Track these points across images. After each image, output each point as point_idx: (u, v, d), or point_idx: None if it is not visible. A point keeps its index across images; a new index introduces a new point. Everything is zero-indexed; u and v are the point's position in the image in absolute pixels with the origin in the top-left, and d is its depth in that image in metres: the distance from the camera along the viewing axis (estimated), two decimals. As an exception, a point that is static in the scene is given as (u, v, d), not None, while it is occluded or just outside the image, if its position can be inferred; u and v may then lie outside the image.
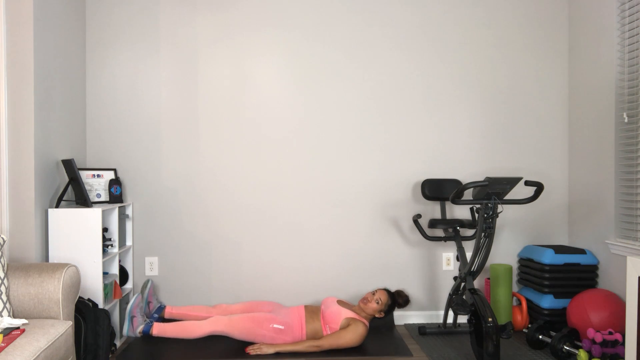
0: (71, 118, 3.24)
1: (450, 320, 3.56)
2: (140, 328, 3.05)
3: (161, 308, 3.28)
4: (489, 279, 3.54)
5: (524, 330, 3.38)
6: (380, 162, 3.60)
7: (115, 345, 3.03)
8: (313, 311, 3.13)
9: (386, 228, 3.62)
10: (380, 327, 3.47)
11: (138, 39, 3.50)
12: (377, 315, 3.13)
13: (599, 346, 2.66)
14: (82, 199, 2.92)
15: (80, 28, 3.40)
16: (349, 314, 3.05)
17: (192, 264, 3.55)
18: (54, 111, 2.99)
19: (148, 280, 3.31)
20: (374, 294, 3.14)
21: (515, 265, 3.68)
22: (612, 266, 3.20)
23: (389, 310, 3.15)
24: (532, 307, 3.40)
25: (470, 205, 3.45)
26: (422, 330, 3.33)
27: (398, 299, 3.20)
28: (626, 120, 3.09)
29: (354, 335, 2.97)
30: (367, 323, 3.06)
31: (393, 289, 3.63)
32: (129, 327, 3.03)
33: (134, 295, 3.31)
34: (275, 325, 2.99)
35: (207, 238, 3.55)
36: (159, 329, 3.04)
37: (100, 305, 2.85)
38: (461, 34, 3.63)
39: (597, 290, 3.11)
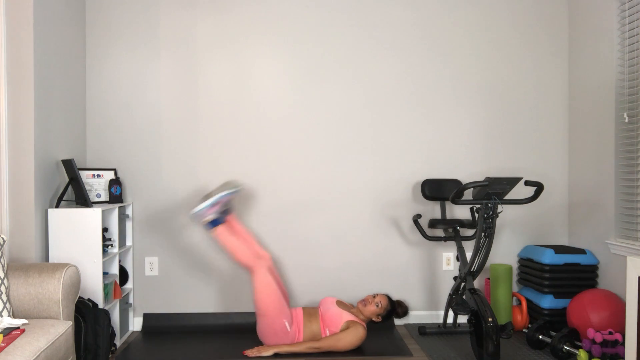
0: (71, 118, 3.24)
1: (450, 320, 3.56)
2: (210, 217, 3.01)
3: (226, 212, 3.17)
4: (489, 279, 3.53)
5: (524, 330, 3.38)
6: (380, 162, 3.60)
7: (115, 345, 3.03)
8: (311, 313, 3.12)
9: (386, 228, 3.62)
10: (380, 327, 3.47)
11: (138, 38, 3.50)
12: (374, 319, 3.12)
13: (599, 346, 2.66)
14: (82, 199, 2.92)
15: (80, 28, 3.40)
16: (349, 316, 3.04)
17: (192, 264, 3.55)
18: (54, 111, 2.99)
19: (239, 187, 3.15)
20: (374, 296, 3.14)
21: (515, 265, 3.68)
22: (612, 266, 3.20)
23: (386, 316, 3.15)
24: (532, 307, 3.40)
25: (470, 205, 3.45)
26: (422, 330, 3.32)
27: (397, 308, 3.20)
28: (626, 120, 3.09)
29: (353, 338, 2.96)
30: (365, 326, 3.06)
31: (393, 289, 3.63)
32: (206, 207, 2.97)
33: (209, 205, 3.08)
34: (286, 323, 2.98)
35: (207, 238, 3.54)
36: (221, 232, 3.02)
37: (100, 305, 2.85)
38: (461, 35, 3.63)
39: (597, 290, 3.11)
